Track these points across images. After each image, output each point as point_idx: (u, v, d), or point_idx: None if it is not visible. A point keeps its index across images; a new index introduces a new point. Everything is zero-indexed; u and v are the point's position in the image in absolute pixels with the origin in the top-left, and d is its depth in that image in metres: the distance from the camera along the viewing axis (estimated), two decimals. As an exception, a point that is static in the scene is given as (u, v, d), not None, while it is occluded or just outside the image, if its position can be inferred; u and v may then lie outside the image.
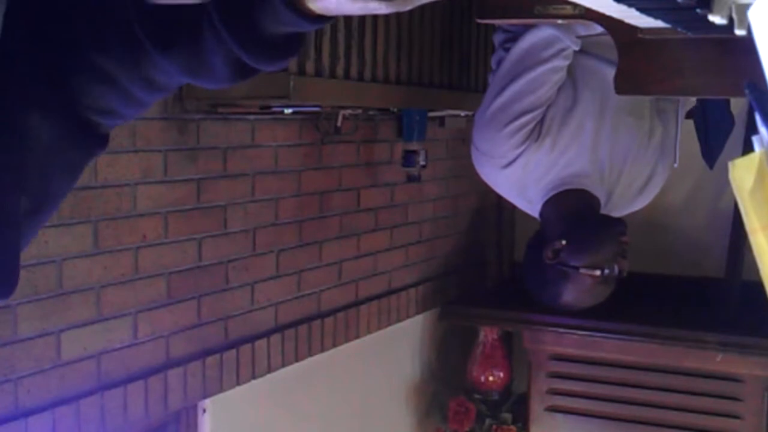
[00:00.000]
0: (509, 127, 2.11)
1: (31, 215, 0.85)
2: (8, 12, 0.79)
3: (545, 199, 2.18)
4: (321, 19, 0.78)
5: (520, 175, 2.17)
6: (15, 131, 0.81)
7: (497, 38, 2.26)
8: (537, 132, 2.13)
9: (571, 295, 2.12)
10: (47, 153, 0.84)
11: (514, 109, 2.11)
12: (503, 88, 2.13)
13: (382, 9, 0.77)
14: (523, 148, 2.12)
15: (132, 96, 0.86)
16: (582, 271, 2.07)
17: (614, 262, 2.08)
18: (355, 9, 0.77)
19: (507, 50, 2.17)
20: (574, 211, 2.15)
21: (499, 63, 2.19)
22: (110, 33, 0.81)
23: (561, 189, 2.17)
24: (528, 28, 2.13)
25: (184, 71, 0.84)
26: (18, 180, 0.82)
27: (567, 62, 2.13)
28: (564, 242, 2.11)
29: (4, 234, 0.83)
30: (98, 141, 0.88)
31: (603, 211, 2.23)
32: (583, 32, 2.11)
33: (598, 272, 2.06)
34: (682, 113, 2.35)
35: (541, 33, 2.10)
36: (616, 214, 2.31)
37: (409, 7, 0.77)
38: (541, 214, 2.22)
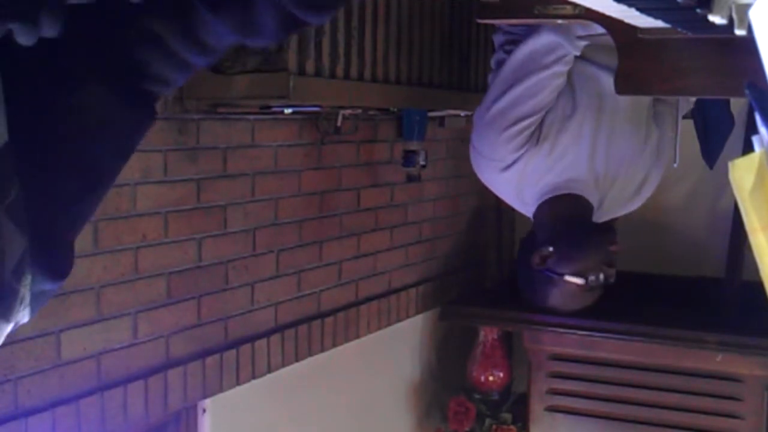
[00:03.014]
0: (508, 131, 2.12)
1: (91, 188, 0.91)
2: None
3: (539, 202, 2.20)
4: None
5: (518, 178, 2.18)
6: (74, 101, 0.85)
7: (497, 39, 2.27)
8: (536, 136, 2.14)
9: (556, 299, 2.17)
10: (103, 122, 0.88)
11: (514, 114, 2.12)
12: (503, 93, 2.14)
13: None
14: (522, 152, 2.13)
15: (181, 59, 0.89)
16: (567, 278, 2.10)
17: (599, 271, 2.10)
18: None
19: (507, 52, 2.17)
20: (565, 218, 2.16)
21: (499, 64, 2.19)
22: None
23: (555, 193, 2.18)
24: (529, 29, 2.13)
25: (233, 29, 0.87)
26: (72, 161, 0.87)
27: (567, 68, 2.14)
28: (551, 249, 2.13)
29: (57, 218, 0.89)
30: (149, 110, 0.92)
31: (595, 214, 2.24)
32: (582, 32, 2.11)
33: (581, 281, 2.09)
34: (679, 114, 2.36)
35: (543, 39, 2.10)
36: (608, 217, 2.32)
37: None
38: (534, 216, 2.23)
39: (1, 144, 0.81)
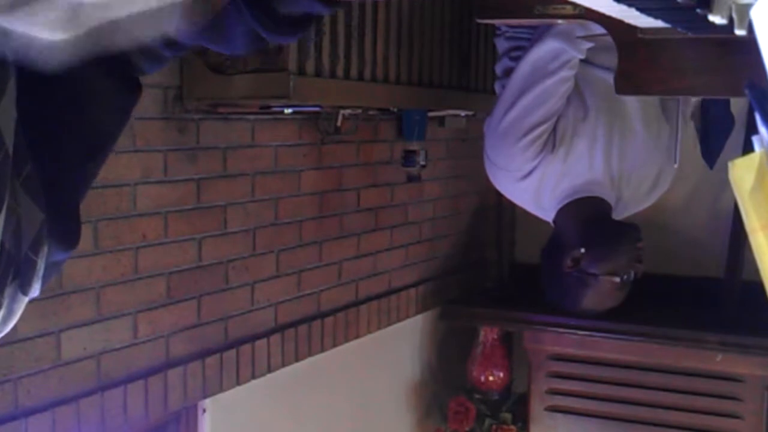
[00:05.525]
0: (523, 141, 2.14)
1: (92, 156, 1.02)
2: None
3: (559, 207, 2.21)
4: (336, 3, 0.88)
5: (536, 186, 2.20)
6: (78, 84, 0.98)
7: (501, 45, 2.28)
8: (551, 143, 2.16)
9: (591, 300, 2.19)
10: (99, 98, 1.00)
11: (527, 123, 2.14)
12: (513, 104, 2.16)
13: None
14: (538, 160, 2.16)
15: (152, 53, 1.01)
16: (602, 278, 2.13)
17: (631, 268, 2.14)
18: None
19: (513, 59, 2.20)
20: (590, 219, 2.19)
21: (506, 72, 2.21)
22: None
23: (574, 197, 2.20)
24: (533, 36, 2.14)
25: (204, 38, 0.97)
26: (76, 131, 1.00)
27: (573, 72, 2.16)
28: (582, 251, 2.15)
29: (65, 188, 0.97)
30: (136, 87, 1.06)
31: (613, 212, 2.26)
32: (581, 33, 2.12)
33: (617, 279, 2.13)
34: (684, 113, 2.36)
35: (546, 46, 2.12)
36: (625, 214, 2.34)
37: None
38: (555, 222, 2.24)
39: (13, 121, 0.87)
